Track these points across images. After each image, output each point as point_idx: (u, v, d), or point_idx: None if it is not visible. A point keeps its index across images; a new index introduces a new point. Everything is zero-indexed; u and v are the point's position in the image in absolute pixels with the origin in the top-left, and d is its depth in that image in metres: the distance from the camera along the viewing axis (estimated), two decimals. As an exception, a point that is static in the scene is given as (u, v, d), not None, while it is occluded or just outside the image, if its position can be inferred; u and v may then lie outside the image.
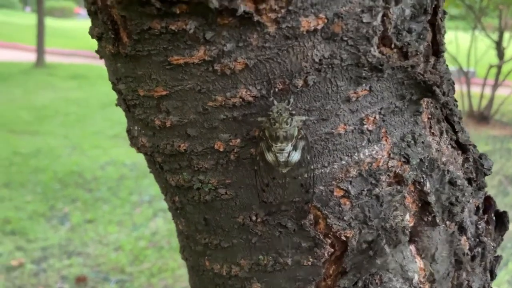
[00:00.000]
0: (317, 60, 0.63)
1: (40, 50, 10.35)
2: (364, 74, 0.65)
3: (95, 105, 7.39)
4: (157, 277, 3.07)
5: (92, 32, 0.71)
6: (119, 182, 4.46)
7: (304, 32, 0.61)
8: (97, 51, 0.76)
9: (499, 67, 6.93)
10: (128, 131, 0.81)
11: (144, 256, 3.27)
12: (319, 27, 0.61)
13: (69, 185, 4.35)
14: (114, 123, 6.22)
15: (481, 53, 7.18)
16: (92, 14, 0.69)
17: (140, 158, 0.83)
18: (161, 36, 0.62)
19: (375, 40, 0.63)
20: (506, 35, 7.08)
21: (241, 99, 0.65)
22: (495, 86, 6.92)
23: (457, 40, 7.03)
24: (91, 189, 4.30)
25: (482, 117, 6.90)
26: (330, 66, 0.63)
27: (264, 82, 0.64)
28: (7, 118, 6.45)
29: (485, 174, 0.83)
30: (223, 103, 0.66)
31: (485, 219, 0.85)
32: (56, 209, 3.90)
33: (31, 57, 10.90)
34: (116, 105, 0.81)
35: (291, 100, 0.65)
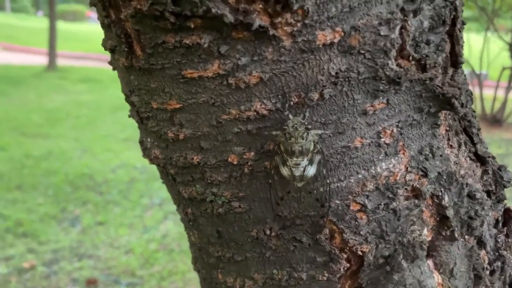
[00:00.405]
0: (333, 73, 0.61)
1: (52, 53, 10.46)
2: (381, 87, 0.64)
3: (106, 108, 7.44)
4: (167, 280, 3.07)
5: (105, 45, 0.71)
6: (130, 185, 4.48)
7: (320, 46, 0.60)
8: (110, 63, 0.76)
9: (512, 69, 6.83)
10: (141, 142, 0.81)
11: (154, 259, 3.28)
12: (335, 40, 0.60)
13: (80, 188, 4.38)
14: (125, 126, 6.25)
15: (494, 55, 7.09)
16: (105, 26, 0.68)
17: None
18: (175, 49, 0.61)
19: (393, 53, 0.62)
20: (519, 36, 6.98)
21: (255, 113, 0.64)
22: (508, 89, 6.83)
23: (469, 42, 6.95)
24: (102, 192, 4.32)
25: (495, 120, 6.81)
26: (346, 79, 0.62)
27: (279, 96, 0.63)
28: (19, 121, 6.52)
29: (505, 187, 0.81)
30: (237, 116, 0.65)
31: (505, 232, 0.83)
32: (67, 212, 3.93)
33: (43, 60, 11.03)
34: (129, 116, 0.81)
35: (307, 113, 0.64)
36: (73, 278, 3.04)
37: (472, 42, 7.08)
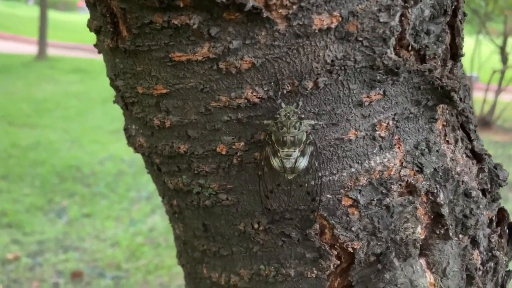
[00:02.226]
0: (329, 61, 0.59)
1: (42, 42, 10.30)
2: (378, 77, 0.61)
3: (96, 99, 7.35)
4: (153, 274, 3.04)
5: (90, 25, 0.67)
6: (117, 178, 4.43)
7: (316, 31, 0.57)
8: (95, 45, 0.72)
9: (503, 72, 6.89)
10: (126, 129, 0.77)
11: (140, 253, 3.24)
12: (332, 26, 0.57)
13: (67, 179, 4.32)
14: (113, 118, 6.18)
15: (485, 58, 7.13)
16: (90, 6, 0.65)
17: (139, 155, 0.79)
18: (163, 30, 0.58)
19: (392, 41, 0.59)
20: (510, 40, 7.03)
21: (246, 100, 0.61)
22: (498, 92, 6.88)
23: (462, 44, 6.97)
24: (89, 184, 4.27)
25: (484, 123, 6.86)
26: (342, 67, 0.59)
27: (272, 83, 0.60)
28: (7, 110, 6.41)
29: (500, 185, 0.79)
30: (227, 103, 0.62)
31: (498, 232, 0.81)
32: (53, 203, 3.87)
33: (33, 49, 10.85)
34: (114, 102, 0.78)
35: (300, 103, 0.61)
36: (58, 270, 2.99)
37: (464, 44, 7.12)
